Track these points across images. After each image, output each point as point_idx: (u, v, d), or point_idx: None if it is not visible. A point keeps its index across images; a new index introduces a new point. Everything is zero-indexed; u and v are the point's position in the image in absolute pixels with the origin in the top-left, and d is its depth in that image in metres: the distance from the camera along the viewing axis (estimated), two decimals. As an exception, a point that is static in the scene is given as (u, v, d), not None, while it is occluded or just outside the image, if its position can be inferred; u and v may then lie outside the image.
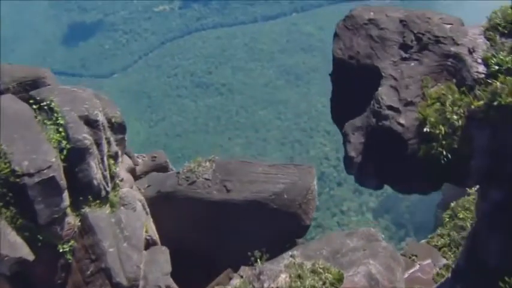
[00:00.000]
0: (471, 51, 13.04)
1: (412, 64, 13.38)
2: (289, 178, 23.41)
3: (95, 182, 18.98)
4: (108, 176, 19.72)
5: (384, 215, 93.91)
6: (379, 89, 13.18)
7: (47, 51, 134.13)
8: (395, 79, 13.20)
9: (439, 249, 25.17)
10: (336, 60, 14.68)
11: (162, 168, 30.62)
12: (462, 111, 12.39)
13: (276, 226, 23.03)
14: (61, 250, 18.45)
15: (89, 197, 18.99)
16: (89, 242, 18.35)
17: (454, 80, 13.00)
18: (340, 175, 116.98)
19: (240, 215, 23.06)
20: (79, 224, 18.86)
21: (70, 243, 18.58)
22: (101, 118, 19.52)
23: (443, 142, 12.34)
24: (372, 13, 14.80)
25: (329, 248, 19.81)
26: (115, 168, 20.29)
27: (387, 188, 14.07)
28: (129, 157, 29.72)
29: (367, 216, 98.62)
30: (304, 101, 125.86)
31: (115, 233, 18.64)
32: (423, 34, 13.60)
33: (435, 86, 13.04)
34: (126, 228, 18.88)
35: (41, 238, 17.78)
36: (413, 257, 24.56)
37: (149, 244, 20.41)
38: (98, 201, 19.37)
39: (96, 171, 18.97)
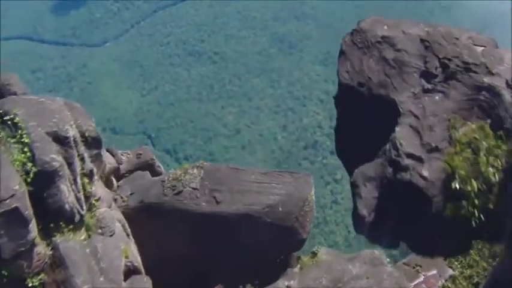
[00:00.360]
0: (510, 84, 10.41)
1: (437, 98, 10.71)
2: (285, 188, 20.92)
3: (67, 207, 16.38)
4: (82, 197, 17.12)
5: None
6: (397, 129, 10.54)
7: (37, 20, 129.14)
8: (416, 117, 10.56)
9: (445, 258, 23.08)
10: (342, 85, 11.97)
11: (148, 166, 28.04)
12: (499, 163, 9.83)
13: (270, 241, 20.68)
14: (30, 284, 15.99)
15: (61, 223, 16.44)
16: (60, 277, 15.86)
17: (489, 120, 10.39)
18: (333, 144, 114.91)
19: (230, 228, 20.67)
20: (51, 253, 16.37)
21: (40, 276, 16.09)
22: (72, 133, 16.78)
23: (476, 201, 9.83)
24: (385, 27, 12.03)
25: (329, 275, 17.57)
26: (90, 188, 17.66)
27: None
28: (113, 155, 27.11)
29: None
30: (297, 69, 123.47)
31: (90, 266, 16.14)
32: (450, 60, 10.88)
33: (464, 126, 10.42)
34: (102, 259, 16.38)
35: (6, 274, 15.31)
36: (418, 267, 22.54)
37: (130, 271, 17.99)
38: (71, 226, 16.84)
39: (67, 194, 16.35)
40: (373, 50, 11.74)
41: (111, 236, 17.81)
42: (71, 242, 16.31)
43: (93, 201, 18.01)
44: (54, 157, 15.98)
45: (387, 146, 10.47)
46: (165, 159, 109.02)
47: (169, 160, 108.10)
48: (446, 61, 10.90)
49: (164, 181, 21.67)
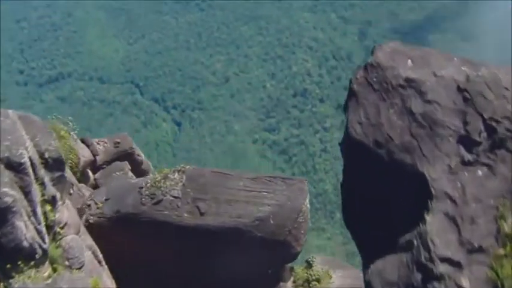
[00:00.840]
0: None
1: (480, 173, 7.89)
2: (276, 198, 18.26)
3: (25, 244, 13.65)
4: (43, 229, 14.33)
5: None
6: (428, 220, 7.77)
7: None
8: (453, 202, 7.77)
9: None
10: (353, 141, 9.07)
11: (127, 155, 25.27)
12: None
13: (260, 255, 18.24)
14: (-15, 333, 13.56)
15: (19, 262, 13.78)
16: (19, 327, 13.40)
17: (549, 209, 7.68)
18: (323, 92, 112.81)
19: (215, 243, 18.17)
20: (9, 296, 13.81)
21: (-3, 324, 13.65)
22: (28, 156, 13.83)
23: (532, 324, 7.26)
24: (409, 62, 8.99)
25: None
26: (53, 215, 14.84)
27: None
28: (88, 146, 24.22)
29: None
30: (286, 16, 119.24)
31: (54, 313, 13.67)
32: (498, 122, 8.00)
33: (516, 213, 7.70)
34: (68, 303, 13.88)
35: (-44, 325, 12.88)
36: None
37: (103, 307, 15.59)
38: (32, 263, 14.18)
39: (25, 230, 13.58)
40: (395, 96, 8.77)
41: (80, 268, 15.23)
42: (30, 286, 13.74)
43: (58, 229, 15.21)
44: (6, 191, 13.07)
45: (415, 242, 7.73)
46: (153, 108, 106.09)
47: (157, 109, 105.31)
48: (493, 123, 8.01)
49: (142, 187, 18.93)
